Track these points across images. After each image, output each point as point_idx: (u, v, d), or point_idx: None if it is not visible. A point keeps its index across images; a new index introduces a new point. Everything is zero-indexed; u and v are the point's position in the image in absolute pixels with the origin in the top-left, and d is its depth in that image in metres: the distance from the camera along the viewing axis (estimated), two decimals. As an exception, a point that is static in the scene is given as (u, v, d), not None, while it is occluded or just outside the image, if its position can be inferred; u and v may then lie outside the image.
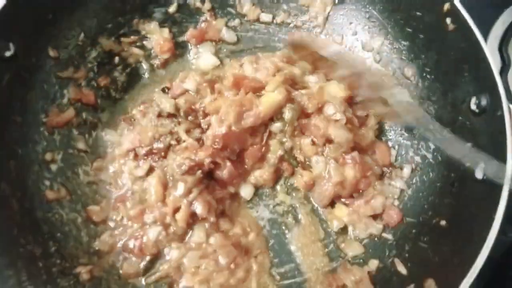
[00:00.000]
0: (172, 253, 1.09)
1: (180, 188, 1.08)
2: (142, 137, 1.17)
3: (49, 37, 1.16)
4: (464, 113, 1.07)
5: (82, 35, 1.22)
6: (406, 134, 1.24)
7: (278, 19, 1.38)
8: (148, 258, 1.09)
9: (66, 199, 1.13)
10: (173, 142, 1.16)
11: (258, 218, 1.18)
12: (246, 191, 1.19)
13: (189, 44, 1.36)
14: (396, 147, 1.24)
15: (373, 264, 1.10)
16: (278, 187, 1.22)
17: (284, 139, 1.19)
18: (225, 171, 1.13)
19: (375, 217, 1.15)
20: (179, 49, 1.35)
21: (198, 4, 1.36)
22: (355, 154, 1.14)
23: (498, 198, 0.89)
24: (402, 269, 1.06)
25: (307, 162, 1.19)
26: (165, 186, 1.11)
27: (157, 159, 1.16)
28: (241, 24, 1.39)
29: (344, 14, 1.34)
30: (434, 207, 1.10)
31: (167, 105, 1.20)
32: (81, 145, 1.19)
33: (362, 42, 1.33)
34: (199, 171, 1.09)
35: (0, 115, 1.06)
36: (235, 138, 1.13)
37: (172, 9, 1.34)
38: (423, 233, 1.08)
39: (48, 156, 1.14)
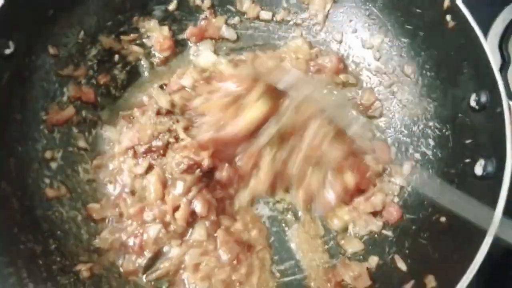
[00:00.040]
0: (172, 251, 1.09)
1: (179, 186, 1.08)
2: (141, 135, 1.16)
3: (49, 35, 1.16)
4: (464, 110, 1.07)
5: (82, 33, 1.22)
6: (405, 131, 1.24)
7: (278, 17, 1.38)
8: (148, 256, 1.09)
9: (66, 197, 1.13)
10: (171, 140, 1.16)
11: (258, 215, 1.18)
12: (240, 198, 1.17)
13: (189, 42, 1.36)
14: (396, 144, 1.24)
15: (373, 260, 1.11)
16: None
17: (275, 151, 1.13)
18: (224, 173, 1.13)
19: (375, 214, 1.15)
20: (179, 47, 1.34)
21: (198, 2, 1.35)
22: (352, 159, 1.12)
23: (498, 195, 0.89)
24: (402, 265, 1.06)
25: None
26: (164, 184, 1.11)
27: (156, 157, 1.16)
28: (241, 22, 1.39)
29: (344, 12, 1.34)
30: (434, 204, 1.10)
31: (163, 101, 1.20)
32: (81, 143, 1.19)
33: (362, 40, 1.33)
34: (198, 170, 1.09)
35: (0, 113, 1.05)
36: (223, 144, 1.11)
37: (171, 7, 1.34)
38: (423, 229, 1.08)
39: (48, 154, 1.14)
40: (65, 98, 1.20)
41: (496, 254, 0.87)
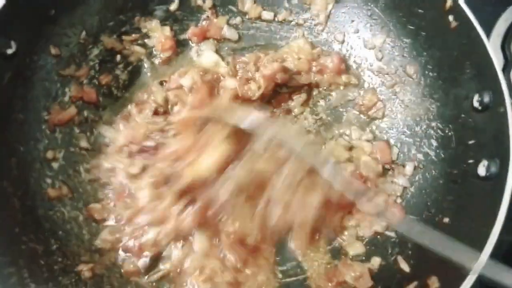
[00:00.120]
0: (174, 253, 1.09)
1: (168, 198, 1.07)
2: (135, 133, 1.17)
3: (50, 35, 1.16)
4: (466, 110, 1.07)
5: (83, 33, 1.22)
6: (408, 132, 1.23)
7: (280, 17, 1.38)
8: (149, 257, 1.08)
9: (68, 197, 1.13)
10: (162, 141, 1.16)
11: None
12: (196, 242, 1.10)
13: (190, 42, 1.36)
14: (398, 144, 1.24)
15: (376, 261, 1.10)
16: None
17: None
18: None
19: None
20: (180, 47, 1.34)
21: (199, 2, 1.35)
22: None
23: (501, 195, 0.88)
24: (405, 266, 1.06)
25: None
26: (158, 186, 1.10)
27: (148, 157, 1.15)
28: (242, 22, 1.38)
29: (345, 12, 1.34)
30: (437, 205, 1.09)
31: (158, 96, 1.20)
32: (82, 143, 1.19)
33: (364, 40, 1.33)
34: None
35: (2, 113, 1.05)
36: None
37: (173, 7, 1.34)
38: (426, 230, 1.08)
39: (49, 154, 1.14)
40: (66, 98, 1.20)
41: (499, 255, 0.86)
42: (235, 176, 1.03)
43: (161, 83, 1.27)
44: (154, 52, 1.32)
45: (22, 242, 0.98)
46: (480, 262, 0.84)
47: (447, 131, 1.14)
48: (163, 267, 1.09)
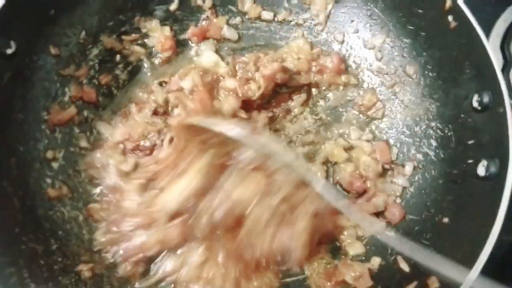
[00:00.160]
0: (167, 264, 1.07)
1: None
2: (133, 131, 1.17)
3: (50, 35, 1.16)
4: (466, 110, 1.07)
5: (83, 33, 1.22)
6: (407, 132, 1.24)
7: (280, 17, 1.38)
8: (140, 264, 1.07)
9: (68, 197, 1.13)
10: (158, 142, 1.16)
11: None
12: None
13: (190, 42, 1.36)
14: (398, 144, 1.24)
15: (376, 261, 1.10)
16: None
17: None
18: None
19: (377, 214, 1.15)
20: (180, 47, 1.34)
21: (199, 2, 1.35)
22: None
23: (501, 195, 0.89)
24: (404, 266, 1.05)
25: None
26: (145, 188, 1.10)
27: (142, 157, 1.16)
28: (242, 22, 1.38)
29: (345, 12, 1.34)
30: (437, 205, 1.10)
31: (159, 97, 1.20)
32: (82, 143, 1.19)
33: (363, 40, 1.33)
34: None
35: (1, 113, 1.05)
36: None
37: (173, 7, 1.34)
38: (425, 230, 1.08)
39: (49, 154, 1.14)
40: (66, 98, 1.19)
41: (499, 255, 0.87)
42: (211, 209, 1.02)
43: (160, 84, 1.27)
44: (154, 52, 1.32)
45: (22, 242, 0.98)
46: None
47: (446, 131, 1.14)
48: (157, 273, 1.07)
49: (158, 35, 1.31)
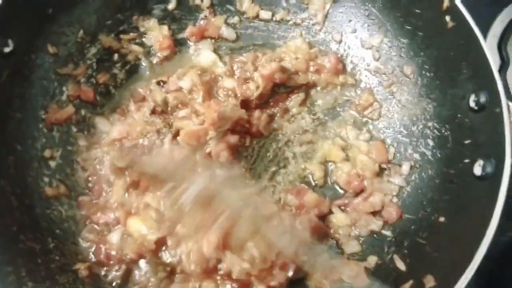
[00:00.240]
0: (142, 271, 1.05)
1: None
2: (131, 130, 1.17)
3: (48, 34, 1.16)
4: (463, 110, 1.07)
5: (81, 31, 1.22)
6: (405, 132, 1.24)
7: (278, 17, 1.38)
8: (122, 268, 1.06)
9: (65, 195, 1.13)
10: (157, 142, 1.16)
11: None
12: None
13: (188, 41, 1.36)
14: (395, 144, 1.24)
15: (372, 260, 1.10)
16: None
17: None
18: None
19: (374, 214, 1.15)
20: (178, 46, 1.34)
21: (197, 1, 1.35)
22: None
23: (497, 195, 0.89)
24: (401, 265, 1.06)
25: None
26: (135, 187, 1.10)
27: (138, 155, 1.15)
28: (240, 22, 1.39)
29: (343, 12, 1.34)
30: (433, 204, 1.10)
31: (158, 97, 1.20)
32: (80, 142, 1.19)
33: (361, 40, 1.33)
34: None
35: (-1, 112, 1.06)
36: None
37: (171, 6, 1.34)
38: (422, 229, 1.08)
39: (47, 153, 1.14)
40: (64, 97, 1.20)
41: (495, 254, 0.87)
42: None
43: (158, 83, 1.27)
44: (152, 51, 1.32)
45: (20, 241, 0.98)
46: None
47: (443, 131, 1.14)
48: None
49: (156, 34, 1.31)
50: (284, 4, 1.38)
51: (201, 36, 1.36)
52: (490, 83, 0.98)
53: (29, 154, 1.11)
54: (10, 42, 1.04)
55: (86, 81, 1.24)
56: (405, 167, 1.19)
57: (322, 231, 1.12)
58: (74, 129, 1.20)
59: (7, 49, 1.04)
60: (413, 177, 1.18)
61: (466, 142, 1.05)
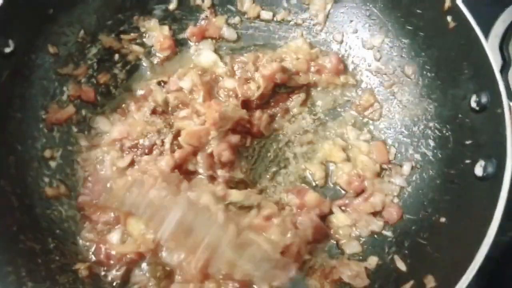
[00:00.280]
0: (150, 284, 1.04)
1: None
2: (131, 129, 1.16)
3: (48, 34, 1.16)
4: (464, 110, 1.07)
5: (82, 32, 1.22)
6: (405, 132, 1.24)
7: (279, 17, 1.38)
8: (122, 268, 1.06)
9: (65, 195, 1.13)
10: (158, 142, 1.16)
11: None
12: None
13: (189, 42, 1.36)
14: (396, 144, 1.24)
15: (373, 260, 1.10)
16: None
17: None
18: None
19: (374, 214, 1.15)
20: (179, 46, 1.34)
21: (198, 1, 1.35)
22: None
23: (498, 195, 0.89)
24: (401, 265, 1.06)
25: None
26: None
27: (139, 154, 1.15)
28: (241, 22, 1.38)
29: (344, 12, 1.34)
30: (434, 204, 1.10)
31: (159, 97, 1.20)
32: (81, 142, 1.19)
33: (362, 40, 1.33)
34: None
35: (0, 112, 1.05)
36: None
37: (172, 6, 1.34)
38: (422, 229, 1.08)
39: (47, 153, 1.14)
40: (64, 97, 1.20)
41: (495, 255, 0.87)
42: None
43: (159, 83, 1.27)
44: (153, 51, 1.32)
45: (20, 241, 0.98)
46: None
47: (444, 131, 1.14)
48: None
49: (157, 34, 1.31)
50: (285, 5, 1.38)
51: (202, 36, 1.35)
52: (492, 84, 0.98)
53: (29, 154, 1.11)
54: (10, 42, 1.04)
55: (87, 81, 1.24)
56: (406, 168, 1.19)
57: (322, 231, 1.12)
58: (74, 129, 1.20)
59: (7, 49, 1.04)
60: (414, 178, 1.18)
61: (467, 142, 1.05)
